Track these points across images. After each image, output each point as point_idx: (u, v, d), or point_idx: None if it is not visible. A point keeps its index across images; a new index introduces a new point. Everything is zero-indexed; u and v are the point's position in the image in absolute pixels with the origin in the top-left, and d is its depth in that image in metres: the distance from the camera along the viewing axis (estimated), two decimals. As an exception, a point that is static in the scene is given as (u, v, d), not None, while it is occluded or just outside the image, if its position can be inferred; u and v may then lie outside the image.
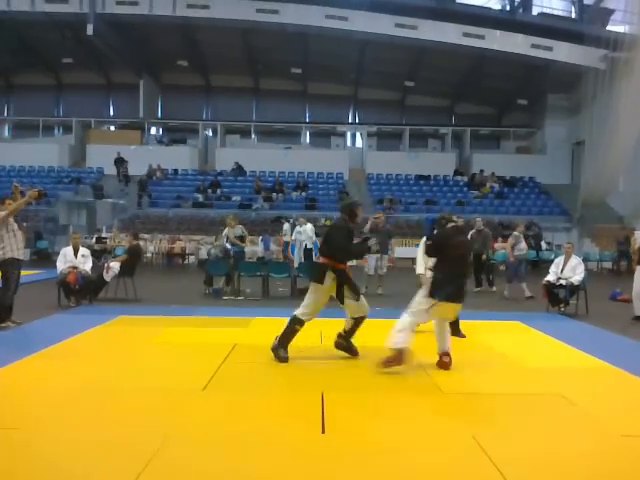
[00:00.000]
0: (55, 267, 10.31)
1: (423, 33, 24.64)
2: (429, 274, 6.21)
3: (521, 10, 26.13)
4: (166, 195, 26.16)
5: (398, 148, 31.04)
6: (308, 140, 31.90)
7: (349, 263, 6.11)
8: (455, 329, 7.24)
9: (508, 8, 26.09)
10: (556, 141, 28.56)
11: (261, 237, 21.27)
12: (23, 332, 7.65)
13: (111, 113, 32.75)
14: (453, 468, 3.52)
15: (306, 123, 31.99)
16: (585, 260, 14.43)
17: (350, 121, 33.00)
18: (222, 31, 26.14)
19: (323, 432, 4.03)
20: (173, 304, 10.29)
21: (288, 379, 5.42)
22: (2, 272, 7.92)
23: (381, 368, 5.51)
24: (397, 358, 5.49)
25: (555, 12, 26.74)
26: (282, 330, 5.97)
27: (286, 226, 19.78)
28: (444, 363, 5.77)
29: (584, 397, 4.95)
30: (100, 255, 17.44)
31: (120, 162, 27.18)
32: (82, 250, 10.42)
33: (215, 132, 31.62)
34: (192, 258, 20.89)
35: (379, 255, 11.86)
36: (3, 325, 7.76)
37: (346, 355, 6.20)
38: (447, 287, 5.57)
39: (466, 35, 24.55)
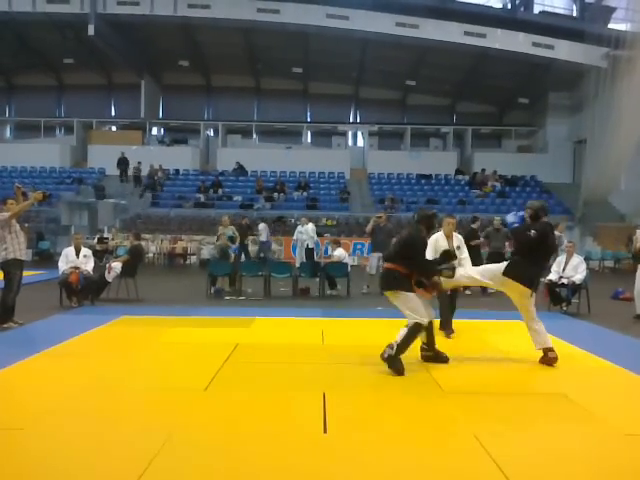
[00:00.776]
0: (57, 268, 10.33)
1: (424, 32, 24.61)
2: (462, 271, 6.30)
3: (522, 8, 26.09)
4: (168, 195, 26.18)
5: (399, 147, 31.02)
6: (309, 140, 31.88)
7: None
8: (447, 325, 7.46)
9: (509, 6, 26.07)
10: (557, 140, 28.52)
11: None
12: (25, 332, 7.66)
13: (112, 113, 32.76)
14: (455, 467, 3.52)
15: (307, 123, 31.97)
16: (587, 259, 14.40)
17: (351, 120, 32.97)
18: (223, 31, 26.14)
19: (325, 432, 4.04)
20: (175, 304, 10.30)
21: (290, 379, 5.42)
22: (4, 273, 7.94)
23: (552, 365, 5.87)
24: (553, 354, 5.92)
25: (556, 10, 26.71)
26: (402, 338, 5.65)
27: (261, 226, 19.74)
28: (550, 359, 5.95)
29: (586, 396, 4.95)
30: (102, 255, 17.48)
31: (124, 162, 27.14)
32: (84, 250, 10.43)
33: (216, 132, 31.61)
34: (194, 258, 20.90)
35: (381, 254, 11.85)
36: (5, 326, 7.77)
37: (347, 355, 6.20)
38: (537, 278, 5.96)
39: (467, 34, 24.52)
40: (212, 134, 32.20)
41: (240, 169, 28.48)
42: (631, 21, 22.77)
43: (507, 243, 12.92)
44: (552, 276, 10.06)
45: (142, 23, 25.89)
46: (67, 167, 29.17)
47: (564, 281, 9.89)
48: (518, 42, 24.66)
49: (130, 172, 27.08)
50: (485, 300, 11.47)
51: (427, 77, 29.03)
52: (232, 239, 13.11)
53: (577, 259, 10.15)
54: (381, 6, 24.32)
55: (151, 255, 20.67)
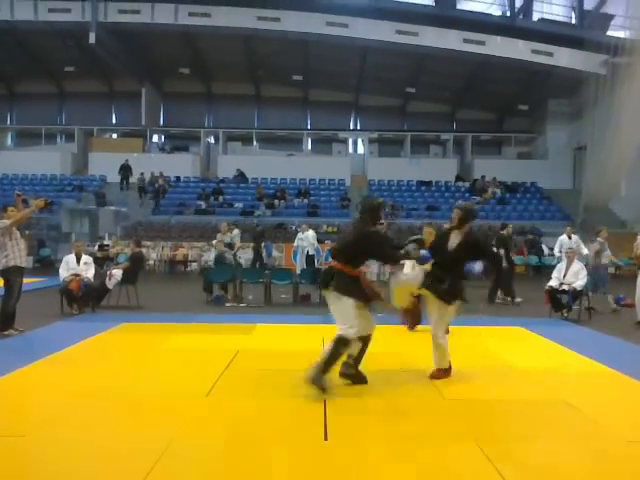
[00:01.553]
0: (58, 275, 10.34)
1: (424, 39, 24.69)
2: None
3: (521, 16, 26.15)
4: (168, 202, 26.21)
5: (399, 154, 31.05)
6: (310, 147, 31.93)
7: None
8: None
9: (508, 14, 26.13)
10: (557, 146, 28.55)
11: (263, 244, 21.28)
12: (26, 340, 7.66)
13: (113, 121, 32.83)
14: (456, 474, 3.51)
15: (307, 130, 32.04)
16: (587, 265, 14.33)
17: (351, 127, 33.04)
18: (223, 39, 26.24)
19: (326, 439, 4.03)
20: (175, 311, 10.30)
21: (291, 386, 5.41)
22: (5, 280, 7.95)
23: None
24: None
25: (555, 18, 26.77)
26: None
27: (235, 232, 19.70)
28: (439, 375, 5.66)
29: (588, 403, 4.94)
30: (102, 263, 17.47)
31: (127, 169, 27.14)
32: (84, 258, 10.44)
33: (217, 139, 31.67)
34: (194, 265, 20.90)
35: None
36: (6, 333, 7.78)
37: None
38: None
39: (467, 41, 24.60)
40: (213, 141, 32.27)
41: (241, 176, 28.52)
42: (630, 28, 22.82)
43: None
44: (553, 282, 10.06)
45: (143, 31, 26.00)
46: (68, 174, 29.20)
47: (565, 287, 9.89)
48: (518, 49, 24.73)
49: (133, 179, 27.08)
50: (485, 307, 11.46)
51: (427, 84, 29.11)
52: (230, 246, 13.15)
53: (578, 265, 10.15)
54: (381, 14, 24.42)
55: (152, 262, 20.68)
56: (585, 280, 9.95)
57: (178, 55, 28.45)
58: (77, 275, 10.00)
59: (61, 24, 25.15)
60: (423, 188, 28.44)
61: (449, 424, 4.42)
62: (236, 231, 16.72)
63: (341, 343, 5.06)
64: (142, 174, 26.79)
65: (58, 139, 32.25)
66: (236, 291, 12.03)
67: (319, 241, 19.02)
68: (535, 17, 26.41)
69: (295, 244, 18.28)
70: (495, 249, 11.40)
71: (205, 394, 5.04)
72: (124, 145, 29.90)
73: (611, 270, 21.35)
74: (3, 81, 31.63)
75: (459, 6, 25.97)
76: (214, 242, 13.47)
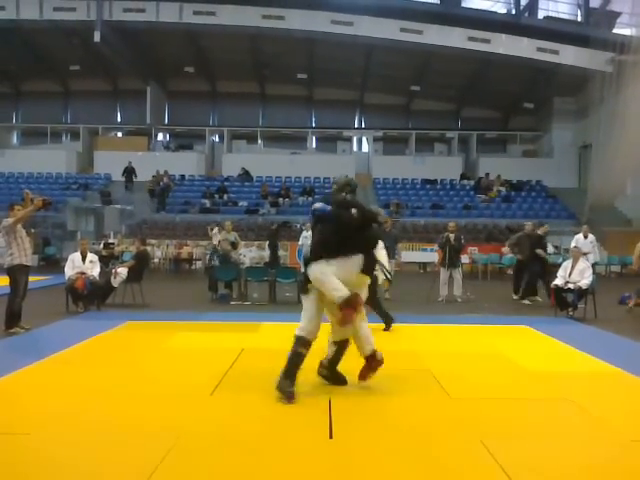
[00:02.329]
0: (63, 273, 10.37)
1: (428, 38, 24.67)
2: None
3: (527, 14, 26.07)
4: (173, 201, 26.26)
5: (404, 152, 31.01)
6: (314, 145, 31.93)
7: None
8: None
9: (513, 12, 26.06)
10: (563, 144, 28.45)
11: (268, 242, 21.28)
12: (31, 338, 7.68)
13: (118, 120, 32.90)
14: (461, 472, 3.50)
15: (312, 128, 32.04)
16: (593, 264, 14.30)
17: (356, 126, 33.01)
18: (228, 37, 26.25)
19: (331, 437, 4.03)
20: (180, 309, 10.32)
21: (296, 384, 5.40)
22: (10, 278, 7.97)
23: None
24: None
25: (561, 15, 26.68)
26: None
27: (215, 230, 19.64)
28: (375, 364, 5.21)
29: (593, 402, 4.93)
30: (108, 261, 17.49)
31: (130, 172, 27.16)
32: (90, 256, 10.47)
33: (222, 138, 31.71)
34: (199, 263, 20.93)
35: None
36: (12, 331, 7.80)
37: (352, 360, 6.18)
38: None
39: (471, 39, 24.55)
40: (217, 140, 32.31)
41: (245, 174, 28.55)
42: (636, 26, 22.75)
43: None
44: (558, 281, 10.04)
45: (148, 30, 26.05)
46: (73, 173, 29.30)
47: (570, 286, 9.86)
48: (523, 47, 24.67)
49: (137, 180, 27.10)
50: (488, 305, 11.44)
51: (432, 82, 29.06)
52: (234, 244, 13.10)
53: (583, 264, 10.12)
54: (386, 12, 24.39)
55: (157, 260, 20.72)
56: (591, 279, 9.92)
57: (183, 54, 28.49)
58: (82, 273, 10.03)
59: (66, 23, 25.24)
60: (428, 186, 28.40)
61: (454, 423, 4.41)
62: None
63: (298, 343, 4.92)
64: (153, 177, 26.78)
65: (63, 138, 32.38)
66: (241, 289, 12.05)
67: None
68: (540, 15, 26.33)
69: (300, 242, 18.27)
70: (531, 248, 11.24)
71: (210, 393, 5.05)
72: (129, 143, 29.98)
73: (616, 269, 21.38)
74: (9, 80, 31.72)
75: (464, 4, 25.93)
76: (216, 238, 13.36)
